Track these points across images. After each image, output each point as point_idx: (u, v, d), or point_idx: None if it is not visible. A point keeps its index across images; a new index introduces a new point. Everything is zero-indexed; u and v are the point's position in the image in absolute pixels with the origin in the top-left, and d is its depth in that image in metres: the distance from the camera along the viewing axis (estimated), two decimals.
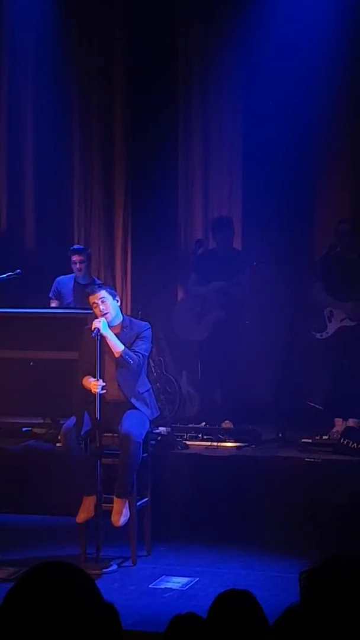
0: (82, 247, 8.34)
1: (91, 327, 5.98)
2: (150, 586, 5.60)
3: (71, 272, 8.20)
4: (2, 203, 9.42)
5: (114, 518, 5.89)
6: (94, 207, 9.35)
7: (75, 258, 8.14)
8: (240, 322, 8.24)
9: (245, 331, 8.37)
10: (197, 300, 8.11)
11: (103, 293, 6.06)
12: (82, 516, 5.95)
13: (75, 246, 8.39)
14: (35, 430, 7.54)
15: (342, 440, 7.11)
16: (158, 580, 5.70)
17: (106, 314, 6.01)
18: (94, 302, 6.05)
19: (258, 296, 8.45)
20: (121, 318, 6.16)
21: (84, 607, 1.66)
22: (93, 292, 6.10)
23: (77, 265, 8.12)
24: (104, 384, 5.91)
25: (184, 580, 5.67)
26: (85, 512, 5.94)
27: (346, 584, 1.99)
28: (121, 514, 5.89)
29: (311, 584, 2.03)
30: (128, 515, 5.92)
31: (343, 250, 7.81)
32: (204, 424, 7.83)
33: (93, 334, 5.91)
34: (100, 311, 6.01)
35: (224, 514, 6.69)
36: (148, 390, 6.26)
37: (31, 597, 1.67)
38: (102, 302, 6.02)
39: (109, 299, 6.05)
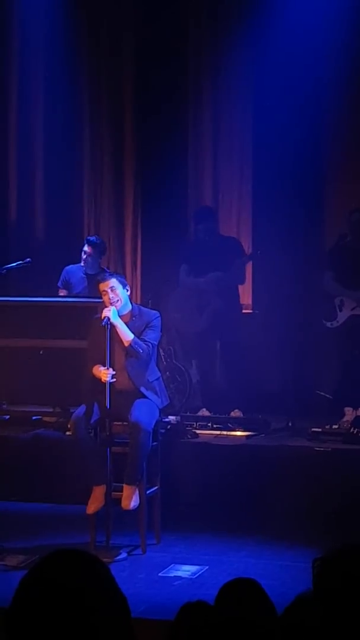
0: (96, 241, 8.25)
1: (101, 316, 5.98)
2: (159, 574, 5.61)
3: (80, 261, 8.20)
4: (13, 192, 9.43)
5: (124, 502, 5.90)
6: (104, 196, 9.35)
7: (85, 248, 8.13)
8: (237, 309, 8.22)
9: (247, 318, 8.37)
10: (191, 291, 8.06)
11: (113, 281, 6.06)
12: (92, 507, 5.95)
13: (91, 237, 8.34)
14: (45, 418, 7.56)
15: (352, 430, 7.11)
16: (167, 568, 5.71)
17: (116, 302, 6.01)
18: (103, 290, 6.05)
19: (268, 285, 8.45)
20: (130, 307, 6.16)
21: (97, 596, 1.66)
22: (103, 280, 6.11)
23: (84, 256, 8.11)
24: (113, 372, 5.92)
25: (193, 568, 5.68)
26: (96, 502, 5.95)
27: None
28: (131, 499, 5.90)
29: (325, 571, 2.03)
30: (138, 501, 5.94)
31: (354, 240, 7.79)
32: (204, 409, 7.83)
33: (103, 323, 5.91)
34: (110, 299, 6.01)
35: (233, 502, 6.70)
36: (158, 379, 6.27)
37: (45, 583, 1.67)
38: (112, 290, 6.03)
39: (118, 287, 6.05)
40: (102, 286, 6.08)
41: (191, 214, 8.83)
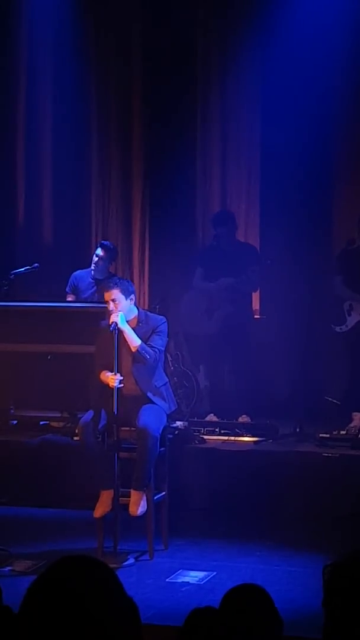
0: (110, 246, 8.26)
1: (109, 321, 5.98)
2: (167, 580, 5.60)
3: (88, 266, 8.20)
4: (20, 197, 9.44)
5: (131, 508, 5.90)
6: (112, 201, 9.35)
7: (98, 251, 8.12)
8: (249, 315, 8.20)
9: (256, 324, 8.35)
10: (203, 295, 8.04)
11: (115, 293, 6.01)
12: (99, 511, 5.95)
13: (105, 241, 8.36)
14: (52, 423, 7.56)
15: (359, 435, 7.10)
16: (175, 574, 5.69)
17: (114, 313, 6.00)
18: (106, 300, 6.05)
19: (276, 290, 8.44)
20: (137, 312, 6.15)
21: (106, 602, 1.65)
22: (107, 290, 6.08)
23: (96, 259, 8.11)
24: (121, 378, 5.91)
25: (201, 574, 5.66)
26: (103, 506, 5.95)
27: None
28: (138, 505, 5.89)
29: (335, 577, 2.02)
30: (145, 507, 5.93)
31: None
32: (212, 415, 7.82)
33: (111, 328, 5.91)
34: (110, 310, 6.01)
35: (241, 508, 6.69)
36: (165, 385, 6.26)
37: (54, 589, 1.66)
38: (114, 302, 6.01)
39: (121, 299, 6.00)
40: (106, 295, 6.08)
41: (208, 217, 8.79)
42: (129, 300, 6.07)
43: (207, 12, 9.00)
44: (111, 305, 6.00)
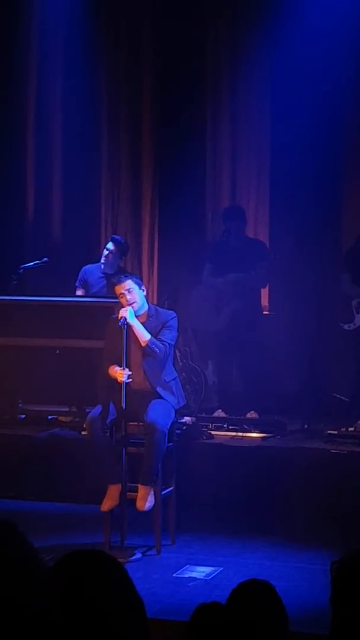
0: (121, 240, 8.27)
1: (118, 316, 5.98)
2: (174, 575, 5.60)
3: (98, 260, 8.21)
4: (30, 192, 9.46)
5: (138, 503, 5.90)
6: (122, 196, 9.36)
7: (109, 246, 8.11)
8: (258, 311, 8.18)
9: (265, 320, 8.34)
10: (212, 291, 8.02)
11: (129, 283, 6.06)
12: (107, 504, 5.96)
13: (116, 236, 8.37)
14: (60, 418, 7.58)
15: None
16: (182, 569, 5.70)
17: (132, 303, 6.01)
18: (120, 293, 6.06)
19: (285, 287, 8.43)
20: (147, 307, 6.16)
21: (113, 596, 1.66)
22: (119, 282, 6.11)
23: (107, 253, 8.10)
24: (130, 372, 5.91)
25: (208, 569, 5.66)
26: (110, 500, 5.95)
27: None
28: (146, 500, 5.90)
29: (343, 573, 2.02)
30: (153, 502, 5.93)
31: None
32: (220, 410, 7.82)
33: (120, 323, 5.91)
34: (127, 301, 6.01)
35: (248, 504, 6.69)
36: (174, 379, 6.26)
37: (63, 583, 1.67)
38: (129, 292, 6.03)
39: (135, 288, 6.05)
40: (118, 288, 6.08)
41: (218, 213, 8.78)
42: (142, 290, 6.10)
43: (217, 10, 9.00)
44: (127, 296, 6.01)
